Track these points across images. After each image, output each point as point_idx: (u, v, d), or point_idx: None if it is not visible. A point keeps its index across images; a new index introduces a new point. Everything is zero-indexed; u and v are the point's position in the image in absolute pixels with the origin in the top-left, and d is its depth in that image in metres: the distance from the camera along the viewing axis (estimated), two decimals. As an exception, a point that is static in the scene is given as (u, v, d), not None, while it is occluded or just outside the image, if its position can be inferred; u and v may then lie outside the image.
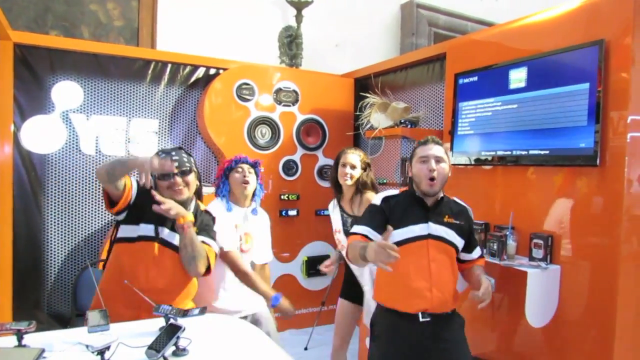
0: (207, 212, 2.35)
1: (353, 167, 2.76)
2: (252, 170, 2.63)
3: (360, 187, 2.80)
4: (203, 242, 2.17)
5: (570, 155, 2.46)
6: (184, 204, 2.15)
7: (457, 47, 3.38)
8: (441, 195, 2.16)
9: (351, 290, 2.83)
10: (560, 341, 2.53)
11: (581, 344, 2.45)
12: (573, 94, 2.45)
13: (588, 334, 2.42)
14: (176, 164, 2.11)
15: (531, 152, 2.66)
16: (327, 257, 4.26)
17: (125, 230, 2.16)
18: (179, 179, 2.13)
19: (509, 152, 2.78)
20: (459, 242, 2.15)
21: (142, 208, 2.12)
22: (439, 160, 2.09)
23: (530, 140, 2.66)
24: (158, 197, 2.04)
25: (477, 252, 2.27)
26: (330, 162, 4.30)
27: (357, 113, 4.23)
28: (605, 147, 2.34)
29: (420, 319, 2.06)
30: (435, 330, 2.07)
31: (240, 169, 2.60)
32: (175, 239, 2.14)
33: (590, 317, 2.42)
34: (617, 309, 2.31)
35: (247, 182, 2.58)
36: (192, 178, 2.19)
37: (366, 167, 2.83)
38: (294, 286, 4.18)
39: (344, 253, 2.80)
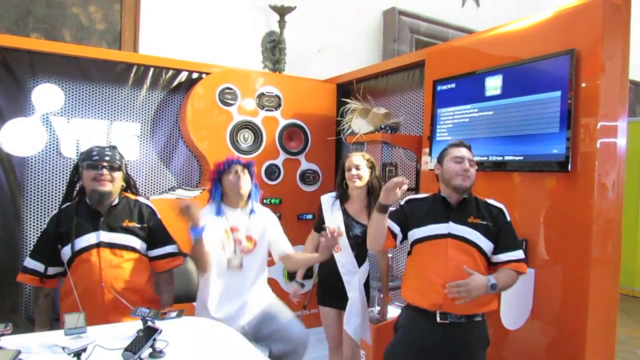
0: (145, 205, 2.43)
1: (358, 167, 2.75)
2: (245, 171, 2.57)
3: (372, 193, 2.78)
4: (168, 255, 2.43)
5: (543, 161, 2.53)
6: (106, 196, 2.24)
7: (435, 54, 3.44)
8: (465, 196, 2.21)
9: (329, 296, 2.84)
10: (534, 343, 2.59)
11: (554, 345, 2.51)
12: (546, 102, 2.52)
13: (561, 336, 2.48)
14: (107, 158, 2.23)
15: (506, 157, 2.72)
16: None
17: (66, 252, 2.23)
18: (106, 172, 2.22)
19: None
20: (485, 244, 2.13)
21: (68, 228, 2.23)
22: (471, 163, 2.21)
23: (506, 147, 2.73)
24: None
25: (510, 255, 2.15)
26: (313, 166, 4.34)
27: (339, 118, 4.27)
28: (576, 153, 2.41)
29: (438, 320, 2.10)
30: (451, 335, 2.10)
31: (234, 171, 2.54)
32: (116, 238, 2.27)
33: (563, 320, 2.48)
34: (588, 312, 2.37)
35: (240, 186, 2.52)
36: (118, 175, 2.28)
37: (372, 166, 2.81)
38: (276, 290, 4.12)
39: (337, 256, 2.78)
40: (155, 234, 2.40)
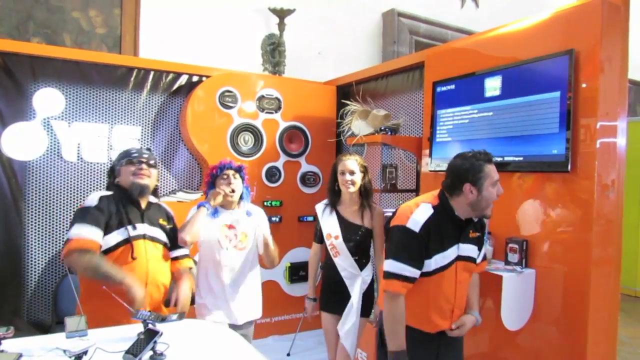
0: (167, 208, 2.55)
1: (352, 172, 2.71)
2: (237, 175, 2.67)
3: (365, 196, 2.76)
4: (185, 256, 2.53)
5: (543, 162, 2.53)
6: (146, 188, 2.34)
7: (434, 55, 3.45)
8: None
9: (332, 301, 2.78)
10: (535, 344, 2.58)
11: (556, 346, 2.50)
12: (545, 102, 2.52)
13: (562, 336, 2.48)
14: (146, 155, 2.38)
15: (506, 158, 2.72)
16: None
17: (108, 240, 2.21)
18: (145, 167, 2.34)
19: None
20: (478, 256, 2.15)
21: (113, 216, 2.25)
22: None
23: (506, 147, 2.73)
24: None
25: (481, 255, 2.19)
26: (313, 168, 4.35)
27: (339, 120, 4.28)
28: (576, 153, 2.41)
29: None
30: (448, 339, 2.14)
31: (225, 176, 2.64)
32: (157, 233, 2.36)
33: (564, 320, 2.47)
34: (589, 312, 2.37)
35: (232, 191, 2.63)
36: (154, 173, 2.41)
37: (365, 170, 2.77)
38: (277, 292, 4.20)
39: (336, 260, 2.74)
40: (174, 236, 2.49)
